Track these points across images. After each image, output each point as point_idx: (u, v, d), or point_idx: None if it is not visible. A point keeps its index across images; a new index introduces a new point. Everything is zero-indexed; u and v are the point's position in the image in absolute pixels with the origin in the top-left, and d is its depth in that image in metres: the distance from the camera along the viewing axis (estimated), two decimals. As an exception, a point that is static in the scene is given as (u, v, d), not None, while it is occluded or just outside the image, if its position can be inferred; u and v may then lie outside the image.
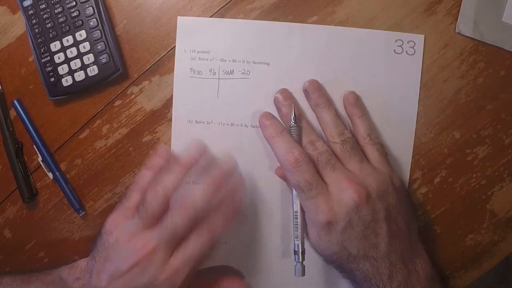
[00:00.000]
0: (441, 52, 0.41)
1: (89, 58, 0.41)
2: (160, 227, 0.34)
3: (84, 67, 0.41)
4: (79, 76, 0.41)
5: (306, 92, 0.41)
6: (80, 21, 0.41)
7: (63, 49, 0.41)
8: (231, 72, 0.42)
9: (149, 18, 0.42)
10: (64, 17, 0.41)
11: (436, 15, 0.41)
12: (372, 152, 0.39)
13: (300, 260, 0.38)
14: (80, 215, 0.44)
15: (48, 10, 0.41)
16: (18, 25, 0.43)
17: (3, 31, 0.44)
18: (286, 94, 0.41)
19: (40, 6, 0.41)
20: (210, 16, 0.42)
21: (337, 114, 0.40)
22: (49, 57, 0.42)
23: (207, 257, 0.36)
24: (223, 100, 0.42)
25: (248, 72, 0.42)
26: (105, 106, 0.43)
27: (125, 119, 0.43)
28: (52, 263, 0.44)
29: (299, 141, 0.39)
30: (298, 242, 0.38)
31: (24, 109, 0.43)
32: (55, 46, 0.41)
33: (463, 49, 0.41)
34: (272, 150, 0.38)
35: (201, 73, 0.42)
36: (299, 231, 0.38)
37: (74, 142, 0.44)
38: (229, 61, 0.42)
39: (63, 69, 0.41)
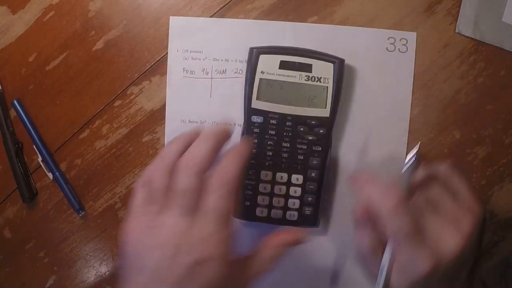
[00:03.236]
0: (441, 52, 0.41)
1: (294, 203, 0.39)
2: (169, 199, 0.30)
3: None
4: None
5: None
6: (302, 166, 0.39)
7: (274, 182, 0.39)
8: (224, 71, 0.42)
9: (149, 18, 0.42)
10: (287, 154, 0.39)
11: (436, 15, 0.41)
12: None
13: None
14: (80, 215, 0.44)
15: (276, 139, 0.39)
16: (18, 25, 0.43)
17: (3, 31, 0.44)
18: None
19: (269, 132, 0.39)
20: (210, 16, 0.42)
21: None
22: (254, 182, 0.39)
23: (231, 211, 0.31)
24: (216, 100, 0.42)
25: (240, 71, 0.42)
26: (105, 106, 0.43)
27: (125, 119, 0.43)
28: (52, 263, 0.45)
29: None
30: None
31: (24, 109, 0.43)
32: (266, 175, 0.39)
33: (463, 49, 0.41)
34: (362, 197, 0.35)
35: (194, 72, 0.42)
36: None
37: (74, 142, 0.44)
38: (222, 60, 0.42)
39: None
